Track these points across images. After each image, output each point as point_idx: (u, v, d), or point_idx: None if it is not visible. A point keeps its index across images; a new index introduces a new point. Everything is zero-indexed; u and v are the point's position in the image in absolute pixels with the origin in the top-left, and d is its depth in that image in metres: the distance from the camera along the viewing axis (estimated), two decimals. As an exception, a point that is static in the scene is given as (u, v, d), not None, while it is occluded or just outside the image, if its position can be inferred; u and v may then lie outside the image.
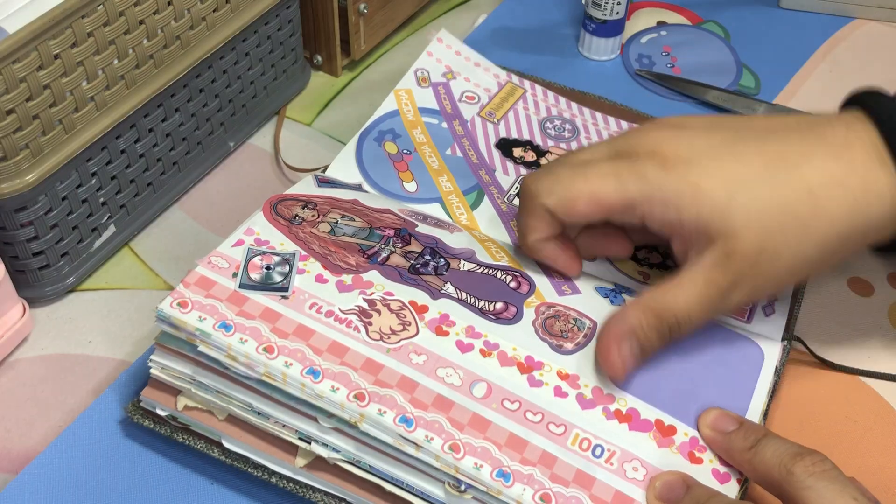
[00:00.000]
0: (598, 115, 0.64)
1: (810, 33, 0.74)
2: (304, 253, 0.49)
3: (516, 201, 0.57)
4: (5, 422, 0.50)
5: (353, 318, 0.46)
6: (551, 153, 0.60)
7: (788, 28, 0.74)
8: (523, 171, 0.59)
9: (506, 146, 0.61)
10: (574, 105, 0.64)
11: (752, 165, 0.44)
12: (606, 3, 0.67)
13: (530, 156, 0.60)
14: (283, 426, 0.45)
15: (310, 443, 0.44)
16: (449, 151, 0.60)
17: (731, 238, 0.44)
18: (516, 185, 0.58)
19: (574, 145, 0.61)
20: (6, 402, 0.51)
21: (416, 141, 0.60)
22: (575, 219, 0.47)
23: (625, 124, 0.63)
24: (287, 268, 0.48)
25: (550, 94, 0.65)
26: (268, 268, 0.48)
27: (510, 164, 0.60)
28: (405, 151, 0.59)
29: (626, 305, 0.46)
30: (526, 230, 0.49)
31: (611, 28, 0.69)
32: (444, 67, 0.65)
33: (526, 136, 0.61)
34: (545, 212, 0.47)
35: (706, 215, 0.44)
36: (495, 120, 0.62)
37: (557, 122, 0.63)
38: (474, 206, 0.57)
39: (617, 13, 0.68)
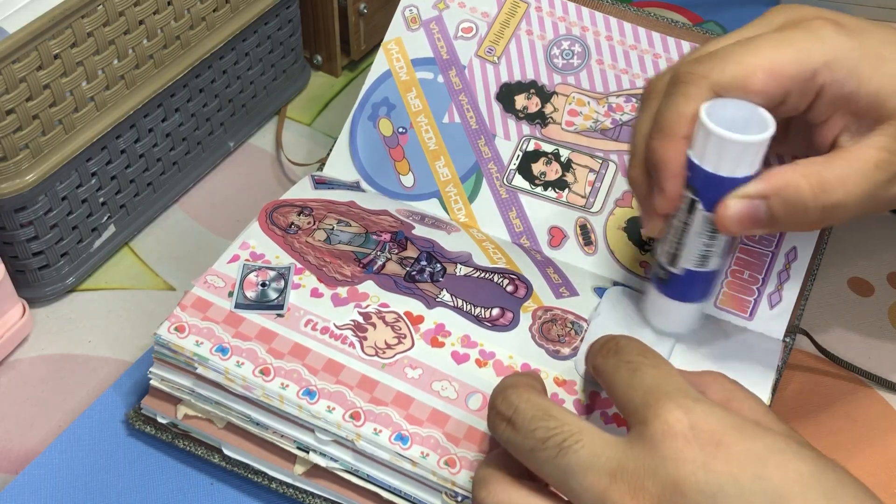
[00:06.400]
0: (613, 21, 0.59)
1: (810, 33, 0.74)
2: (299, 266, 0.49)
3: (515, 181, 0.56)
4: (5, 422, 0.50)
5: (349, 333, 0.46)
6: (557, 94, 0.57)
7: (788, 28, 0.74)
8: (525, 129, 0.57)
9: (507, 96, 0.58)
10: (585, 14, 0.59)
11: None
12: None
13: (534, 104, 0.57)
14: (282, 436, 0.45)
15: (308, 452, 0.44)
16: (446, 119, 0.58)
17: None
18: (516, 156, 0.56)
19: (583, 76, 0.58)
20: (6, 402, 0.51)
21: (411, 111, 0.58)
22: (749, 99, 0.41)
23: (642, 31, 0.59)
24: (282, 283, 0.48)
25: (558, 2, 0.60)
26: (263, 284, 0.48)
27: (512, 122, 0.57)
28: (400, 130, 0.58)
29: (780, 167, 0.41)
30: (676, 122, 0.41)
31: None
32: None
33: (530, 76, 0.58)
34: (710, 94, 0.41)
35: (887, 88, 0.40)
36: (495, 58, 0.58)
37: (566, 45, 0.58)
38: (472, 196, 0.56)
39: None
